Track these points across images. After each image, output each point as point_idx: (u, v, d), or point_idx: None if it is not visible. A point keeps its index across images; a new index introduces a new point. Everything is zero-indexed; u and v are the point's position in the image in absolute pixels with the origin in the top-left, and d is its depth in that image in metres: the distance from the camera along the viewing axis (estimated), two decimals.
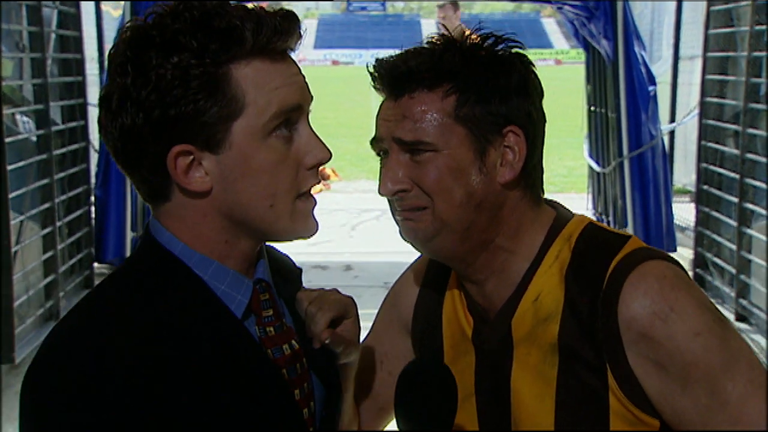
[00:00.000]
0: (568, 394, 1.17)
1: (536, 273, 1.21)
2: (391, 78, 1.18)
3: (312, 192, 1.10)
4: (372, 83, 1.21)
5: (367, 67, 1.19)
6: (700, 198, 6.38)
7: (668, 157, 7.40)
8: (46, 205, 5.18)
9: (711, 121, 6.23)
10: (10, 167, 4.61)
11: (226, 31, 1.01)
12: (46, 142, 5.20)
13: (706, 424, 1.11)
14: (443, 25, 5.74)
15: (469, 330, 1.27)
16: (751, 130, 5.49)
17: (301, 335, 1.15)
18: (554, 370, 1.18)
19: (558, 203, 1.29)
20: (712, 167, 6.15)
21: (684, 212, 7.63)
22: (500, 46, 1.21)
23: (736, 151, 5.71)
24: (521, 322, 1.21)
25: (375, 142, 1.22)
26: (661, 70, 8.33)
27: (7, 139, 4.68)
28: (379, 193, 1.21)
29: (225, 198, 1.03)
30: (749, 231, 5.49)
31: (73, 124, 5.83)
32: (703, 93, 6.40)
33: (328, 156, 1.08)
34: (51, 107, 5.31)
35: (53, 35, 5.69)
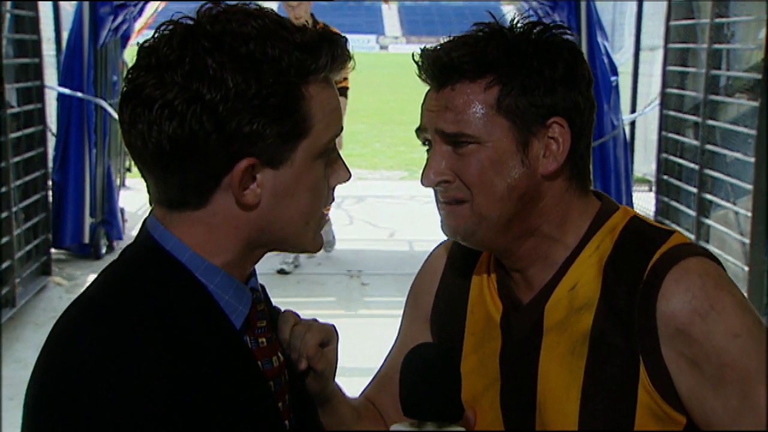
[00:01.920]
0: (596, 385, 1.16)
1: (575, 262, 1.20)
2: (435, 69, 1.18)
3: None
4: (417, 73, 1.19)
5: (413, 56, 1.19)
6: (660, 188, 6.47)
7: (629, 147, 7.49)
8: (2, 190, 5.07)
9: (671, 112, 6.31)
10: None
11: (305, 48, 1.00)
12: (1, 125, 5.08)
13: (735, 427, 1.10)
14: (290, 7, 5.76)
15: (497, 315, 1.26)
16: (710, 122, 5.57)
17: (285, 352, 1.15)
18: (582, 360, 1.17)
19: (604, 194, 1.28)
20: (672, 157, 6.24)
21: (644, 201, 7.73)
22: (547, 34, 1.19)
23: (695, 142, 5.79)
24: (555, 309, 1.20)
25: (419, 132, 1.22)
26: (623, 59, 8.40)
27: None
28: (422, 183, 1.20)
29: (268, 213, 1.02)
30: (708, 221, 5.58)
31: (30, 106, 5.70)
32: (664, 84, 6.48)
33: (350, 177, 1.10)
34: (6, 89, 5.18)
35: (8, 15, 5.54)
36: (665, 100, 6.40)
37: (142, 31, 7.80)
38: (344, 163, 1.10)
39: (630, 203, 7.31)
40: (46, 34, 6.47)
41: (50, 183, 6.21)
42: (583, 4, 6.98)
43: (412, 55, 1.19)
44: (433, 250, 1.41)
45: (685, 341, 1.12)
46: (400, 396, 1.06)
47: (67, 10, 6.86)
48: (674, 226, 6.10)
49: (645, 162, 8.23)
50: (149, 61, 0.99)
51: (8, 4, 5.56)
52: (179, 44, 0.98)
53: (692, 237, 5.72)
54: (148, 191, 1.06)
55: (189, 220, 1.02)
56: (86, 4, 6.32)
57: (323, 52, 1.01)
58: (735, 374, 1.10)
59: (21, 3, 5.69)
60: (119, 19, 6.58)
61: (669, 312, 1.12)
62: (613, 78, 7.01)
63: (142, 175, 1.04)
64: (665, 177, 6.34)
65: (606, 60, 7.02)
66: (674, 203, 6.18)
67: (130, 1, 6.54)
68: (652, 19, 7.61)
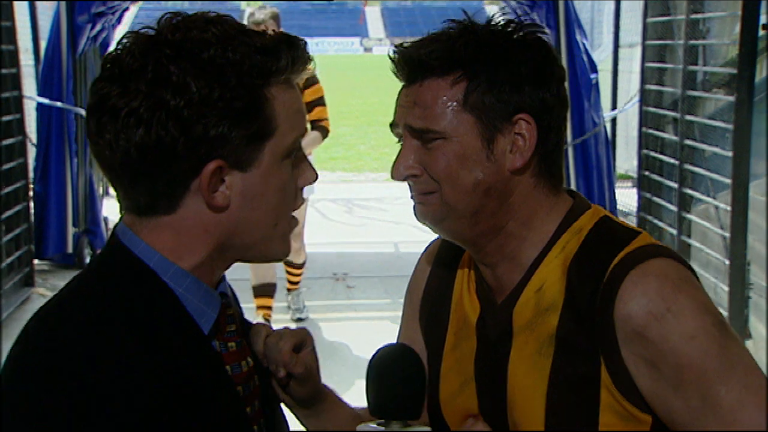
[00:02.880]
0: (560, 385, 1.18)
1: (542, 263, 1.22)
2: (406, 65, 1.20)
3: None
4: (391, 70, 1.22)
5: (388, 54, 1.21)
6: (642, 184, 6.50)
7: (611, 144, 7.52)
8: None
9: (651, 108, 6.34)
10: None
11: (265, 51, 1.02)
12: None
13: (697, 426, 1.11)
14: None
15: (474, 315, 1.28)
16: (689, 117, 5.60)
17: (254, 357, 1.15)
18: (548, 360, 1.18)
19: (578, 193, 1.29)
20: (652, 153, 6.27)
21: (627, 198, 7.76)
22: (519, 32, 1.20)
23: (675, 138, 5.83)
24: (522, 311, 1.22)
25: (392, 127, 1.24)
26: (602, 56, 8.44)
27: None
28: (391, 176, 1.23)
29: (237, 215, 1.04)
30: (689, 216, 5.61)
31: (8, 117, 5.67)
32: (643, 80, 6.51)
33: (317, 178, 1.12)
34: None
35: None
36: (644, 97, 6.44)
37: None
38: (310, 163, 1.12)
39: (613, 200, 7.34)
40: (24, 44, 6.45)
41: (31, 194, 6.18)
42: (561, 3, 7.01)
43: (388, 53, 1.22)
44: (426, 247, 1.43)
45: (642, 343, 1.12)
46: (367, 396, 1.08)
47: (46, 17, 6.82)
48: (657, 222, 6.15)
49: (627, 158, 8.27)
50: (113, 72, 1.00)
51: None
52: (141, 53, 0.99)
53: (674, 232, 5.75)
54: (118, 200, 1.07)
55: (159, 226, 1.03)
56: (63, 13, 6.30)
57: (283, 54, 1.02)
58: (693, 375, 1.11)
59: None
60: (98, 27, 6.56)
61: (626, 314, 1.13)
62: (592, 75, 7.04)
63: (112, 185, 1.05)
64: (646, 173, 6.37)
65: (585, 58, 7.06)
66: (656, 199, 6.21)
67: (108, 8, 6.52)
68: (629, 15, 7.65)
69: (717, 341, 1.12)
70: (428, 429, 1.07)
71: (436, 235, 1.33)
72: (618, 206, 7.73)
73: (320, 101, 5.00)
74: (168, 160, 0.99)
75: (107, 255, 1.07)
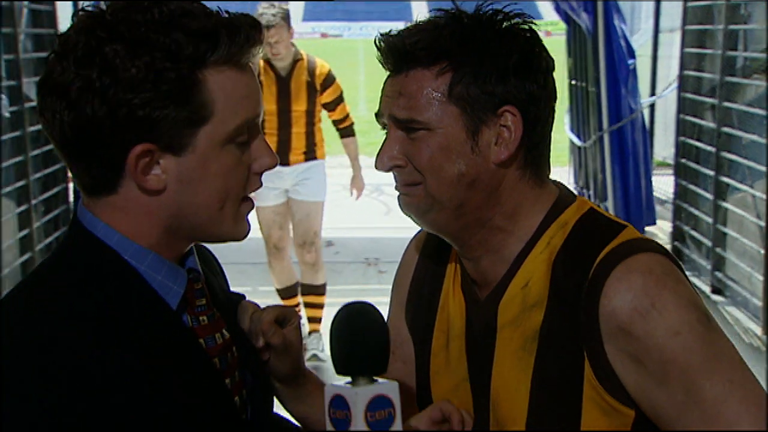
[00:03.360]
0: (543, 380, 1.17)
1: (527, 258, 1.21)
2: (391, 55, 1.19)
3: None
4: (378, 58, 1.21)
5: (374, 41, 1.20)
6: (679, 171, 6.40)
7: (648, 131, 7.41)
8: (21, 183, 5.15)
9: (689, 95, 6.23)
10: None
11: (202, 35, 1.00)
12: (20, 118, 5.15)
13: (682, 421, 1.11)
14: (268, 44, 4.50)
15: (460, 313, 1.27)
16: (727, 104, 5.49)
17: (235, 335, 1.16)
18: (532, 356, 1.18)
19: (563, 185, 1.27)
20: (689, 140, 6.16)
21: (665, 185, 7.65)
22: (506, 23, 1.19)
23: (712, 125, 5.72)
24: (508, 306, 1.21)
25: (378, 117, 1.23)
26: (641, 41, 8.30)
27: None
28: (375, 167, 1.22)
29: (177, 198, 1.04)
30: (725, 204, 5.51)
31: None
32: (682, 66, 6.40)
33: (276, 163, 1.10)
34: (24, 83, 5.26)
35: (26, 10, 5.62)
36: (683, 83, 6.32)
37: None
38: (269, 147, 1.10)
39: (649, 187, 7.24)
40: (64, 28, 6.54)
41: (70, 175, 6.28)
42: None
43: (374, 40, 1.20)
44: (411, 239, 1.42)
45: (627, 339, 1.12)
46: (332, 355, 1.09)
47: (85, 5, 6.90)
48: (693, 210, 6.06)
49: (665, 145, 8.15)
50: (58, 50, 1.01)
51: None
52: (77, 32, 1.00)
53: (710, 220, 5.66)
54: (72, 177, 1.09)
55: (109, 206, 1.05)
56: None
57: (221, 39, 1.01)
58: (677, 370, 1.11)
59: None
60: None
61: (610, 310, 1.12)
62: (630, 61, 6.93)
63: (65, 163, 1.07)
64: (683, 160, 6.27)
65: (623, 43, 6.94)
66: (692, 186, 6.11)
67: None
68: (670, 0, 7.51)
69: (701, 336, 1.11)
70: (395, 383, 1.07)
71: None
72: (657, 193, 7.62)
73: (340, 99, 4.87)
74: (98, 142, 1.00)
75: (70, 237, 1.08)
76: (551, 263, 1.19)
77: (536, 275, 1.20)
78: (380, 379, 1.08)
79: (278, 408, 1.29)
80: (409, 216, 1.23)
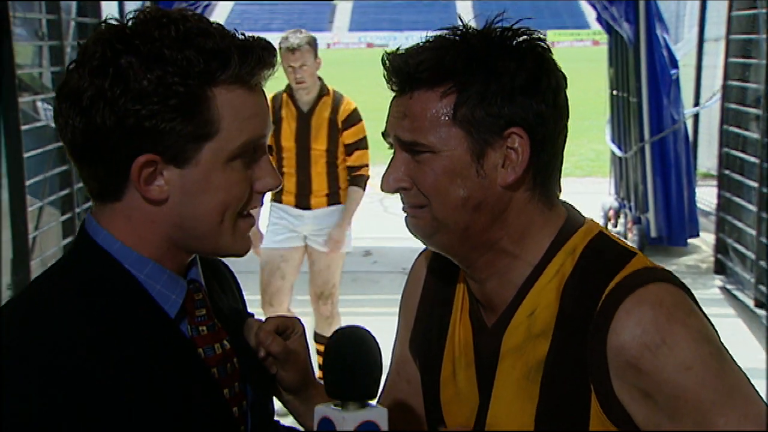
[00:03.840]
0: (549, 411, 1.15)
1: (535, 285, 1.18)
2: (396, 75, 1.16)
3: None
4: (384, 77, 1.18)
5: (381, 59, 1.17)
6: (722, 183, 6.30)
7: (692, 142, 7.31)
8: (65, 192, 5.27)
9: (733, 105, 6.14)
10: (29, 154, 4.70)
11: (213, 53, 1.02)
12: None
13: None
14: (291, 68, 4.15)
15: (469, 339, 1.24)
16: None
17: (240, 349, 1.18)
18: (536, 386, 1.15)
19: (570, 206, 1.23)
20: (733, 152, 6.06)
21: (709, 197, 7.53)
22: (514, 40, 1.15)
23: (757, 136, 5.62)
24: (513, 334, 1.18)
25: (384, 137, 1.21)
26: (683, 51, 8.19)
27: (26, 126, 4.77)
28: (381, 188, 1.20)
29: (178, 210, 1.06)
30: None
31: None
32: (726, 76, 6.31)
33: (278, 184, 1.13)
34: None
35: (72, 23, 5.76)
36: (726, 93, 6.23)
37: None
38: (273, 169, 1.12)
39: (692, 198, 7.14)
40: None
41: None
42: None
43: (382, 59, 1.18)
44: (416, 259, 1.39)
45: (636, 374, 1.09)
46: (324, 378, 1.09)
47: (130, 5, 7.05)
48: (736, 222, 5.95)
49: (710, 156, 8.02)
50: (79, 59, 1.05)
51: (72, 12, 5.78)
52: (94, 42, 1.04)
53: (753, 233, 5.55)
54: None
55: (113, 213, 1.08)
56: None
57: (232, 60, 1.03)
58: (689, 406, 1.08)
59: (85, 10, 5.90)
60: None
61: (619, 345, 1.10)
62: (673, 71, 6.85)
63: (76, 168, 1.11)
64: (727, 172, 6.17)
65: (665, 53, 6.87)
66: (736, 198, 6.01)
67: (189, 5, 6.71)
68: (716, 8, 7.40)
69: (714, 371, 1.08)
70: (384, 409, 1.06)
71: None
72: (701, 205, 7.51)
73: (361, 144, 4.25)
74: (105, 149, 1.02)
75: (75, 244, 1.12)
76: (560, 292, 1.16)
77: (543, 304, 1.17)
78: (371, 403, 1.07)
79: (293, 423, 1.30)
80: (417, 238, 1.21)
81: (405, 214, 1.21)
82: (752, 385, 1.11)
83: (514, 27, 1.17)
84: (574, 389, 1.13)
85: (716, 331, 1.14)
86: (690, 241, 7.17)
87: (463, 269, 1.24)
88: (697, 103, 7.59)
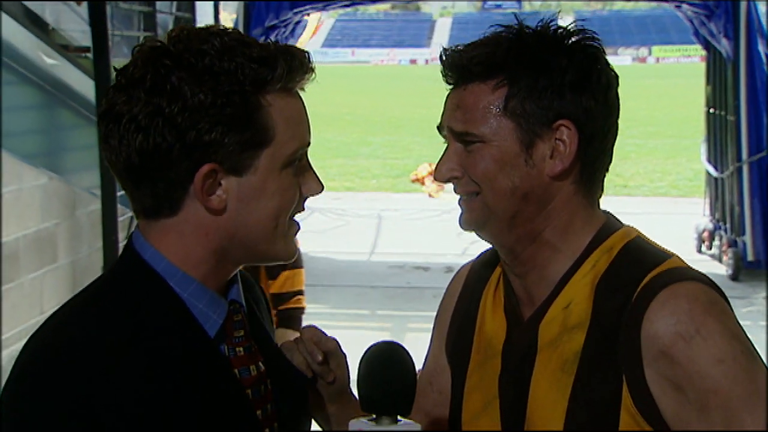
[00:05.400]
0: (580, 404, 1.16)
1: (571, 280, 1.21)
2: (451, 69, 1.21)
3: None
4: (441, 72, 1.23)
5: (439, 56, 1.22)
6: None
7: None
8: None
9: None
10: None
11: (261, 60, 1.04)
12: None
13: None
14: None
15: (500, 333, 1.27)
16: None
17: (273, 364, 1.19)
18: (570, 378, 1.17)
19: (610, 213, 1.26)
20: None
21: None
22: (567, 40, 1.19)
23: None
24: (549, 327, 1.21)
25: (439, 130, 1.26)
26: None
27: None
28: (434, 178, 1.25)
29: (235, 217, 1.07)
30: None
31: None
32: None
33: (322, 189, 1.16)
34: None
35: (173, 17, 5.96)
36: None
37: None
38: (316, 175, 1.14)
39: None
40: None
41: None
42: (743, 12, 6.61)
43: (440, 55, 1.24)
44: (457, 271, 1.43)
45: (668, 364, 1.10)
46: (358, 392, 1.10)
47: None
48: None
49: None
50: (120, 81, 1.07)
51: (170, 27, 6.00)
52: (143, 63, 1.05)
53: None
54: (130, 203, 1.13)
55: (164, 229, 1.09)
56: (240, 26, 6.71)
57: (279, 64, 1.05)
58: (719, 400, 1.08)
59: (181, 23, 6.12)
60: (270, 40, 6.92)
61: (653, 333, 1.11)
62: None
63: (122, 188, 1.12)
64: None
65: (767, 70, 6.61)
66: None
67: (280, 21, 6.87)
68: None
69: (745, 368, 1.09)
70: (418, 426, 1.08)
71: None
72: None
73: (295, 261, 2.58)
74: (166, 165, 1.04)
75: (121, 260, 1.14)
76: (594, 286, 1.18)
77: (578, 297, 1.19)
78: (404, 420, 1.09)
79: None
80: (468, 229, 1.25)
81: (460, 206, 1.24)
82: None
83: (569, 28, 1.20)
84: (606, 381, 1.14)
85: (746, 334, 1.13)
86: None
87: (506, 263, 1.27)
88: None
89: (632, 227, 1.25)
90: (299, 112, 1.10)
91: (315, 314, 6.27)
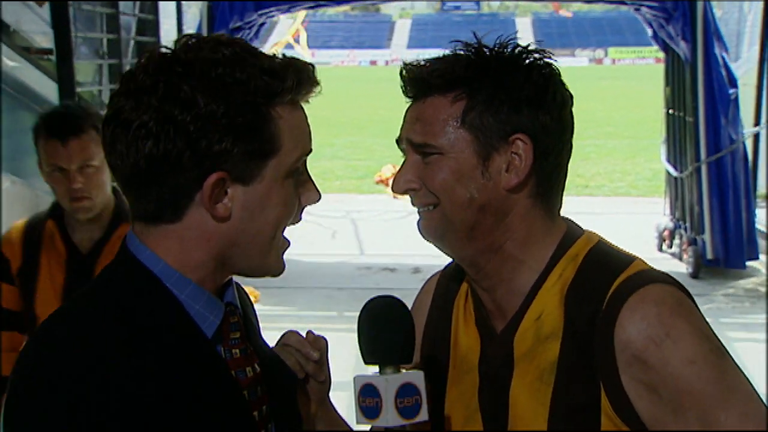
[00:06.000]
0: (561, 413, 1.18)
1: (540, 290, 1.23)
2: (412, 82, 1.24)
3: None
4: (401, 86, 1.25)
5: (399, 70, 1.24)
6: None
7: (752, 162, 7.15)
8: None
9: None
10: None
11: (271, 72, 1.06)
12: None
13: None
14: (61, 173, 2.16)
15: (474, 347, 1.29)
16: None
17: (265, 364, 1.20)
18: (549, 388, 1.19)
19: (570, 219, 1.29)
20: None
21: None
22: (523, 56, 1.22)
23: None
24: (523, 339, 1.23)
25: (398, 143, 1.27)
26: (743, 69, 8.02)
27: None
28: (392, 189, 1.27)
29: (237, 226, 1.08)
30: None
31: None
32: None
33: (320, 198, 1.18)
34: None
35: (132, 42, 5.92)
36: None
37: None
38: (314, 184, 1.16)
39: (752, 221, 6.97)
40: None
41: None
42: (699, 15, 6.74)
43: (400, 70, 1.26)
44: (425, 283, 1.44)
45: (642, 368, 1.13)
46: (360, 345, 1.14)
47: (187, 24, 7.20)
48: None
49: None
50: (128, 87, 1.07)
51: (132, 31, 5.95)
52: (154, 70, 1.05)
53: None
54: (130, 209, 1.13)
55: (163, 234, 1.09)
56: (204, 27, 6.67)
57: (289, 76, 1.08)
58: (692, 400, 1.11)
59: (143, 29, 6.07)
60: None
61: (625, 339, 1.14)
62: (731, 90, 6.73)
63: (124, 193, 1.12)
64: None
65: (724, 72, 6.75)
66: None
67: (245, 23, 6.84)
68: None
69: (716, 367, 1.12)
70: (420, 372, 1.13)
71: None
72: (759, 226, 7.32)
73: None
74: (174, 172, 1.04)
75: (116, 262, 1.14)
76: (564, 296, 1.21)
77: (549, 308, 1.21)
78: (406, 368, 1.13)
79: None
80: (429, 241, 1.27)
81: (418, 216, 1.26)
82: (752, 385, 1.13)
83: (527, 47, 1.24)
84: (584, 388, 1.17)
85: (714, 332, 1.17)
86: (749, 263, 6.99)
87: (472, 277, 1.29)
88: (757, 123, 7.41)
89: (593, 232, 1.28)
90: (303, 121, 1.12)
91: (283, 316, 6.28)
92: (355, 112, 24.44)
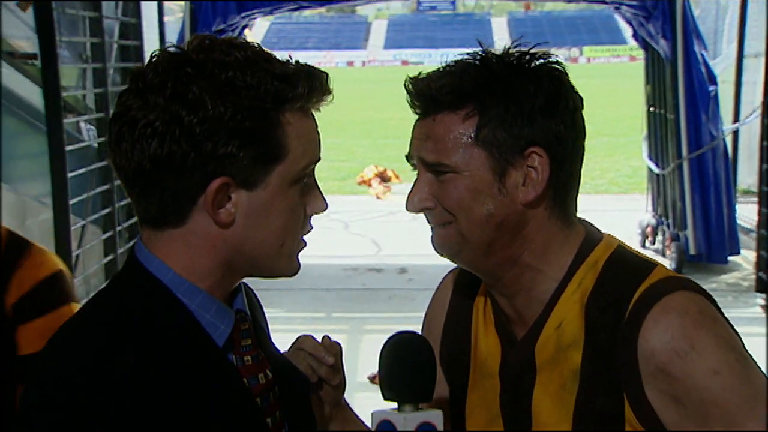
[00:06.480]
0: (585, 422, 1.18)
1: (560, 299, 1.22)
2: (419, 99, 1.21)
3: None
4: (407, 100, 1.23)
5: (404, 84, 1.22)
6: (763, 199, 6.22)
7: (732, 158, 7.24)
8: (107, 210, 5.38)
9: None
10: (72, 173, 4.80)
11: (282, 78, 1.05)
12: (107, 149, 5.36)
13: None
14: None
15: (495, 352, 1.29)
16: None
17: (277, 369, 1.19)
18: (572, 397, 1.19)
19: (588, 222, 1.28)
20: None
21: (751, 214, 7.44)
22: (532, 64, 1.21)
23: None
24: (544, 347, 1.23)
25: (408, 159, 1.26)
26: (722, 67, 8.12)
27: (70, 147, 4.88)
28: (406, 208, 1.25)
29: (242, 233, 1.07)
30: None
31: None
32: (766, 92, 6.24)
33: (326, 208, 1.16)
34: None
35: (115, 45, 5.89)
36: (766, 109, 6.17)
37: None
38: (321, 193, 1.15)
39: (733, 216, 7.06)
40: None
41: None
42: (679, 13, 6.82)
43: (404, 84, 1.23)
44: (442, 279, 1.43)
45: (666, 380, 1.13)
46: (380, 381, 1.13)
47: (173, 33, 7.18)
48: None
49: (751, 173, 7.93)
50: (137, 85, 1.06)
51: (115, 35, 5.91)
52: (164, 70, 1.05)
53: None
54: (135, 211, 1.12)
55: (170, 239, 1.08)
56: (187, 30, 6.65)
57: (300, 83, 1.05)
58: (718, 411, 1.11)
59: (127, 33, 6.03)
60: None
61: (649, 351, 1.14)
62: (711, 88, 6.80)
63: (127, 193, 1.11)
64: (767, 188, 6.10)
65: (704, 69, 6.83)
66: None
67: (228, 25, 6.82)
68: (755, 24, 7.33)
69: (741, 376, 1.12)
70: (439, 411, 1.12)
71: None
72: (742, 222, 7.42)
73: None
74: (178, 173, 1.03)
75: (125, 272, 1.13)
76: (584, 304, 1.20)
77: (569, 316, 1.21)
78: (424, 407, 1.13)
79: None
80: (443, 256, 1.26)
81: (431, 233, 1.25)
82: None
83: (531, 51, 1.22)
84: (608, 397, 1.17)
85: (740, 338, 1.17)
86: (731, 258, 7.08)
87: (490, 286, 1.28)
88: (737, 120, 7.51)
89: (612, 236, 1.27)
90: (312, 129, 1.10)
91: (271, 318, 6.19)
92: (335, 113, 24.26)
